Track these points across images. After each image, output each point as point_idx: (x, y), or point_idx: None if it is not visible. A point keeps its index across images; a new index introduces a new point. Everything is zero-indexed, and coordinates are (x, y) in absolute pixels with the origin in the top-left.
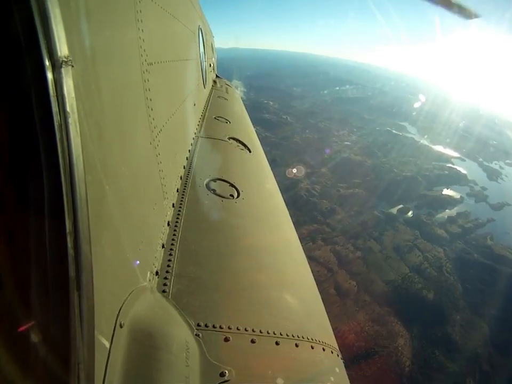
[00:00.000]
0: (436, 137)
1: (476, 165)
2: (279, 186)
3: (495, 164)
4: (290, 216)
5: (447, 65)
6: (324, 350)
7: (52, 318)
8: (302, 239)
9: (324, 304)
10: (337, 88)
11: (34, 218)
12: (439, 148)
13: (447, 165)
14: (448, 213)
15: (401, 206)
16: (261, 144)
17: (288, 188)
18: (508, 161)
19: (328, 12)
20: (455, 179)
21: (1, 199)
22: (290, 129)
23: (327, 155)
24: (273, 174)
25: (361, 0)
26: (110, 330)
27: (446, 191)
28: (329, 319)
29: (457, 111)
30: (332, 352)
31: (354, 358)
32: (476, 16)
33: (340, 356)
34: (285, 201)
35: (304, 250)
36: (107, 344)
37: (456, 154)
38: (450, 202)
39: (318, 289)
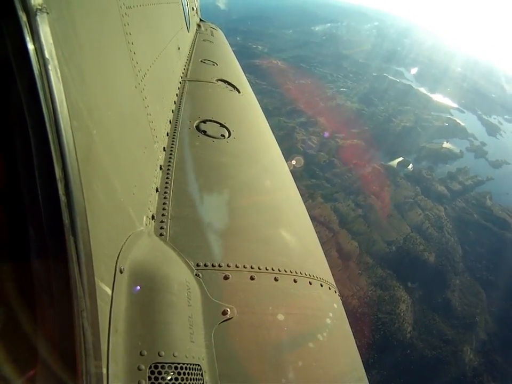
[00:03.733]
0: (433, 85)
1: (475, 118)
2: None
3: (494, 118)
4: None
5: (436, 7)
6: (321, 286)
7: (50, 266)
8: (300, 196)
9: None
10: (329, 24)
11: (23, 168)
12: (437, 97)
13: (446, 116)
14: (448, 168)
15: (401, 158)
16: (255, 97)
17: (283, 139)
18: (506, 116)
19: None
20: (455, 132)
21: None
22: (282, 76)
23: (323, 104)
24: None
25: None
26: (111, 276)
27: (446, 144)
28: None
29: (453, 58)
30: (330, 289)
31: (358, 325)
32: None
33: (338, 292)
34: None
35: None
36: (109, 291)
37: (454, 105)
38: (450, 156)
39: None
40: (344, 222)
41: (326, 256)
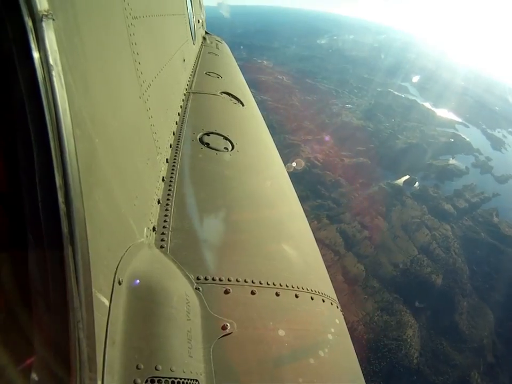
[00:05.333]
0: (438, 100)
1: (479, 132)
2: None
3: (498, 132)
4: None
5: (439, 21)
6: (323, 301)
7: (47, 275)
8: (306, 217)
9: None
10: (335, 37)
11: (24, 174)
12: (442, 112)
13: (451, 131)
14: (454, 185)
15: (407, 177)
16: (258, 110)
17: (288, 157)
18: (510, 129)
19: None
20: (460, 147)
21: None
22: (287, 91)
23: (328, 120)
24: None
25: None
26: (109, 288)
27: (452, 161)
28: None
29: (456, 72)
30: (332, 304)
31: (364, 352)
32: None
33: (340, 308)
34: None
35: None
36: (106, 302)
37: (459, 119)
38: (456, 173)
39: None
40: (350, 245)
41: (331, 281)
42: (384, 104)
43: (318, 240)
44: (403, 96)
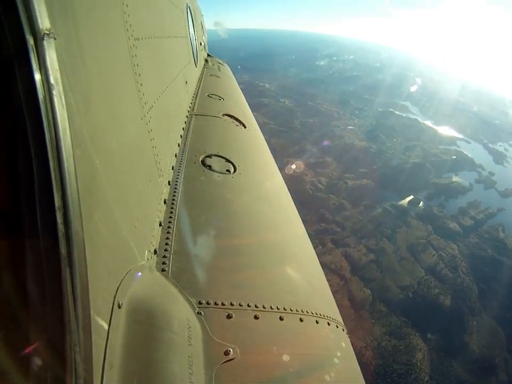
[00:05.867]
0: (438, 117)
1: (481, 147)
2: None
3: (500, 145)
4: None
5: (434, 38)
6: (329, 324)
7: (44, 297)
8: (310, 241)
9: None
10: (335, 58)
11: (23, 193)
12: (443, 129)
13: (453, 148)
14: (459, 202)
15: (411, 197)
16: (260, 132)
17: (292, 181)
18: (511, 142)
19: None
20: (463, 164)
21: None
22: (289, 114)
23: (330, 142)
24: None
25: None
26: (108, 311)
27: (455, 178)
28: None
29: (456, 89)
30: (337, 327)
31: (372, 378)
32: None
33: (345, 330)
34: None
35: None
36: (105, 326)
37: (460, 135)
38: (460, 190)
39: None
40: (356, 269)
41: (337, 306)
42: (386, 124)
43: (323, 265)
44: (404, 115)
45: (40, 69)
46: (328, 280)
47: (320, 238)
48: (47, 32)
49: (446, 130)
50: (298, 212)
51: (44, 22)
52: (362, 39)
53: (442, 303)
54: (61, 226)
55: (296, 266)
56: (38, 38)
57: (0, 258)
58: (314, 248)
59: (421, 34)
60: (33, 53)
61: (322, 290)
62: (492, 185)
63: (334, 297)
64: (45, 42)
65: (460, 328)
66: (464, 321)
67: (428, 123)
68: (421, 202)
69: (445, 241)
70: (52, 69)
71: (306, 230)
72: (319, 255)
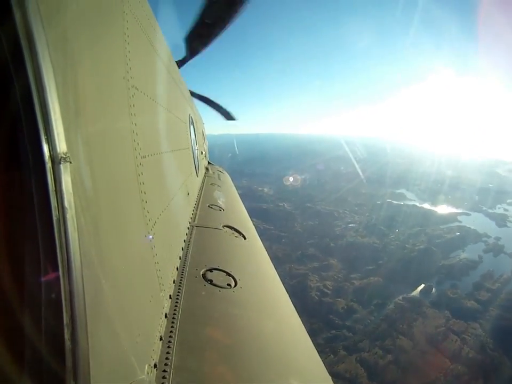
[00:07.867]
0: (435, 198)
1: (482, 215)
2: (284, 287)
3: (499, 208)
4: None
5: (409, 121)
6: None
7: None
8: (320, 351)
9: None
10: (328, 157)
11: (34, 311)
12: (442, 209)
13: (455, 225)
14: (471, 279)
15: (422, 285)
16: (261, 239)
17: (295, 289)
18: (509, 200)
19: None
20: (468, 238)
21: (1, 291)
22: (289, 218)
23: (333, 244)
24: (278, 274)
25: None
26: None
27: (463, 255)
28: None
29: (445, 166)
30: None
31: None
32: None
33: None
34: (294, 305)
35: (325, 364)
36: None
37: (459, 210)
38: (470, 265)
39: None
40: (373, 374)
41: None
42: (385, 216)
43: (336, 376)
44: (402, 203)
45: (56, 192)
46: None
47: (331, 346)
48: (64, 156)
49: (444, 209)
50: (305, 321)
51: (61, 146)
52: (353, 135)
53: None
54: (68, 342)
55: (300, 379)
56: (55, 162)
57: (7, 373)
58: (326, 357)
59: (402, 120)
60: (51, 177)
61: None
62: (501, 250)
63: None
64: (61, 166)
65: None
66: None
67: (426, 206)
68: (433, 288)
69: (465, 323)
70: (67, 192)
71: (315, 340)
72: (331, 365)
